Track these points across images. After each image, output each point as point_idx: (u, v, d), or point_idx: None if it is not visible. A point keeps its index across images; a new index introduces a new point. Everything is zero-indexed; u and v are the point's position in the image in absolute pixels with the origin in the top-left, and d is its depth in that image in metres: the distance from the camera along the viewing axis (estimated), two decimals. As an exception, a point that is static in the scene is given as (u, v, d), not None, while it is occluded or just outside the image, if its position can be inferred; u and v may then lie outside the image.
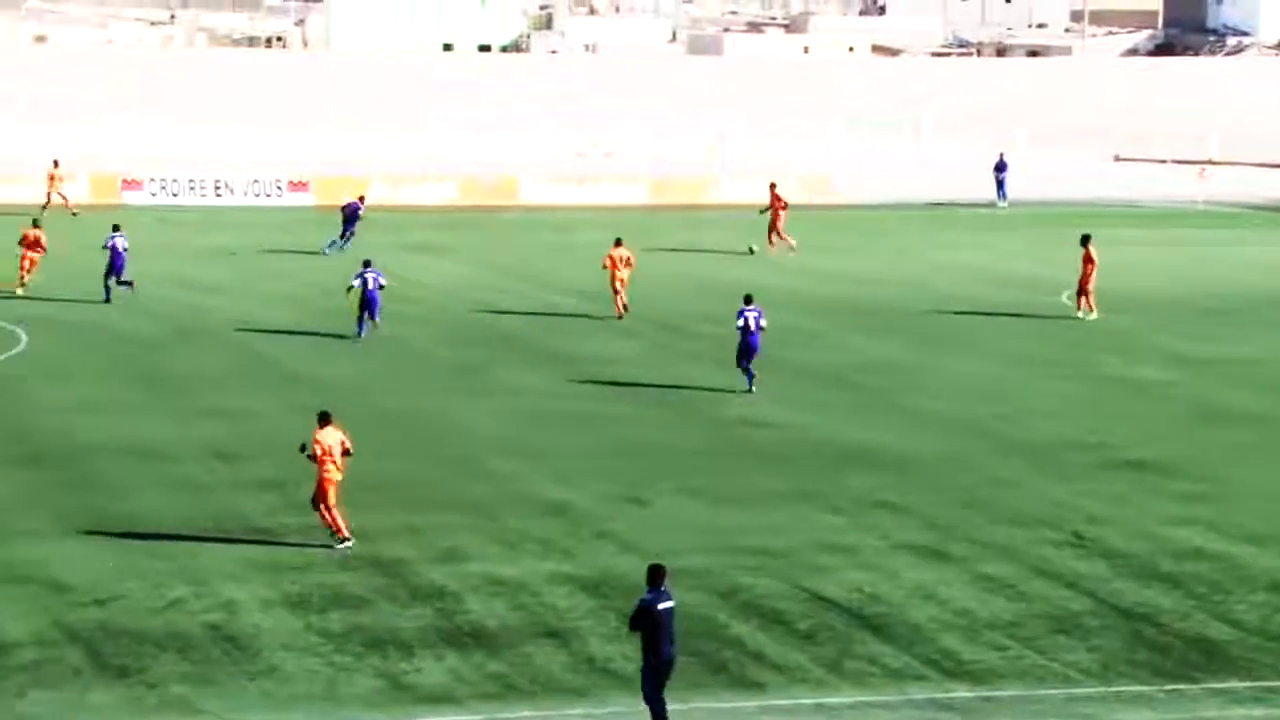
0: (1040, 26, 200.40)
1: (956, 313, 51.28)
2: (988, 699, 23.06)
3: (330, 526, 28.39)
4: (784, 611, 25.93)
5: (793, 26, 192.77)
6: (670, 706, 21.31)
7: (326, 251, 59.93)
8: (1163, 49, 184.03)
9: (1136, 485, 32.98)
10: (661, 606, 21.17)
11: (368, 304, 45.07)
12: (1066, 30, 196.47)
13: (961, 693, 23.20)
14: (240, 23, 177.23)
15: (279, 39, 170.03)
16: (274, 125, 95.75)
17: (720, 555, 28.29)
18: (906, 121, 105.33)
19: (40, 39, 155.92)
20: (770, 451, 35.15)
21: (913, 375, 42.74)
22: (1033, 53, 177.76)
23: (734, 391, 39.81)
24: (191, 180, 75.31)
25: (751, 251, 62.11)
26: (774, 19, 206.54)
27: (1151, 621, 25.75)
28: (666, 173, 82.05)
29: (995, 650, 24.63)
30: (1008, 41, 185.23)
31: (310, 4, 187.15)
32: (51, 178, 67.96)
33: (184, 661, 23.70)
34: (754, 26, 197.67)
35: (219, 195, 74.94)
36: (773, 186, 64.10)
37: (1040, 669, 24.05)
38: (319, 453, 28.25)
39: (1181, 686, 23.45)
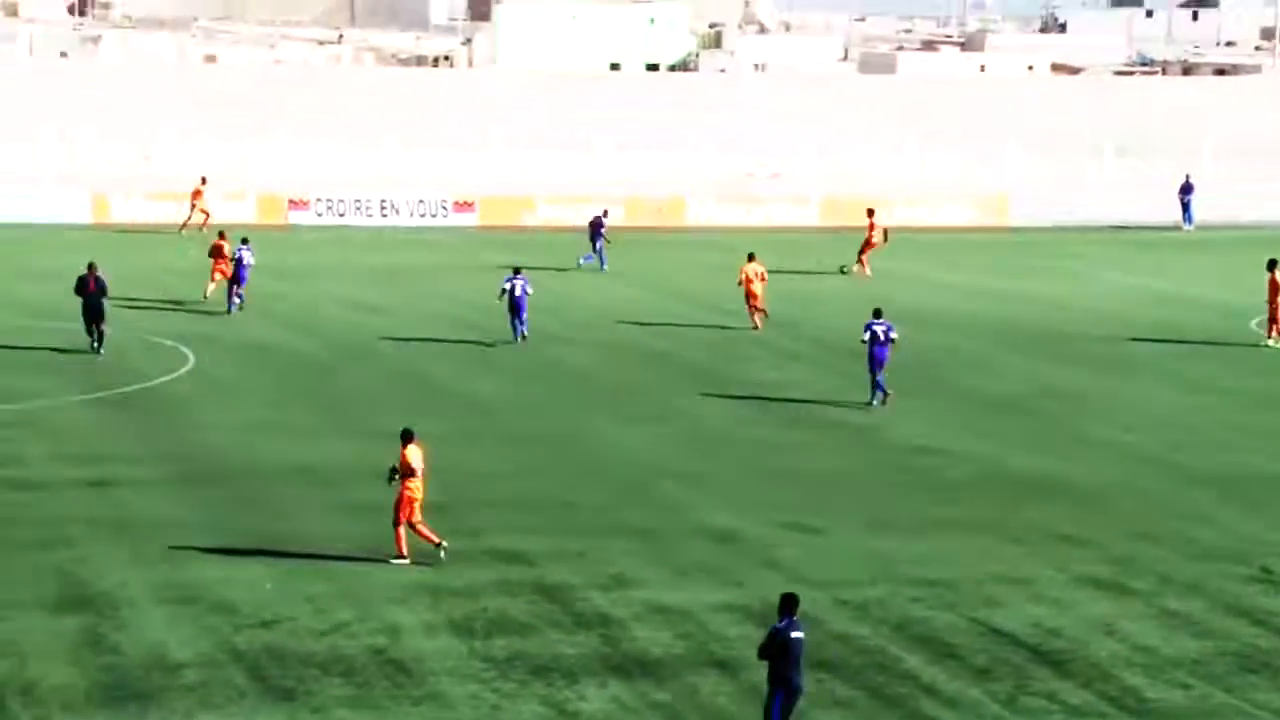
0: (1228, 44, 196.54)
1: (1139, 339, 50.10)
2: (1171, 739, 22.36)
3: (399, 549, 28.37)
4: (958, 645, 25.28)
5: (969, 44, 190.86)
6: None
7: (581, 264, 61.47)
8: None
9: None
10: (794, 635, 20.85)
11: (516, 309, 47.07)
12: (1256, 48, 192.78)
13: (1144, 733, 22.50)
14: (408, 42, 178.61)
15: (446, 58, 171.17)
16: (440, 145, 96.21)
17: (892, 586, 27.70)
18: (1087, 142, 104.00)
19: (210, 59, 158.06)
20: (943, 479, 34.46)
21: (1093, 402, 41.76)
22: (1220, 71, 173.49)
23: (874, 413, 39.19)
24: (358, 200, 75.69)
25: (843, 271, 61.53)
26: (949, 37, 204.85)
27: None
28: (837, 193, 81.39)
29: (1180, 689, 23.92)
30: (1194, 60, 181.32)
31: (477, 23, 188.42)
32: (197, 193, 68.15)
33: (348, 685, 23.50)
34: (928, 45, 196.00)
35: (384, 215, 75.24)
36: (870, 213, 63.16)
37: (1228, 709, 23.33)
38: (406, 470, 28.31)
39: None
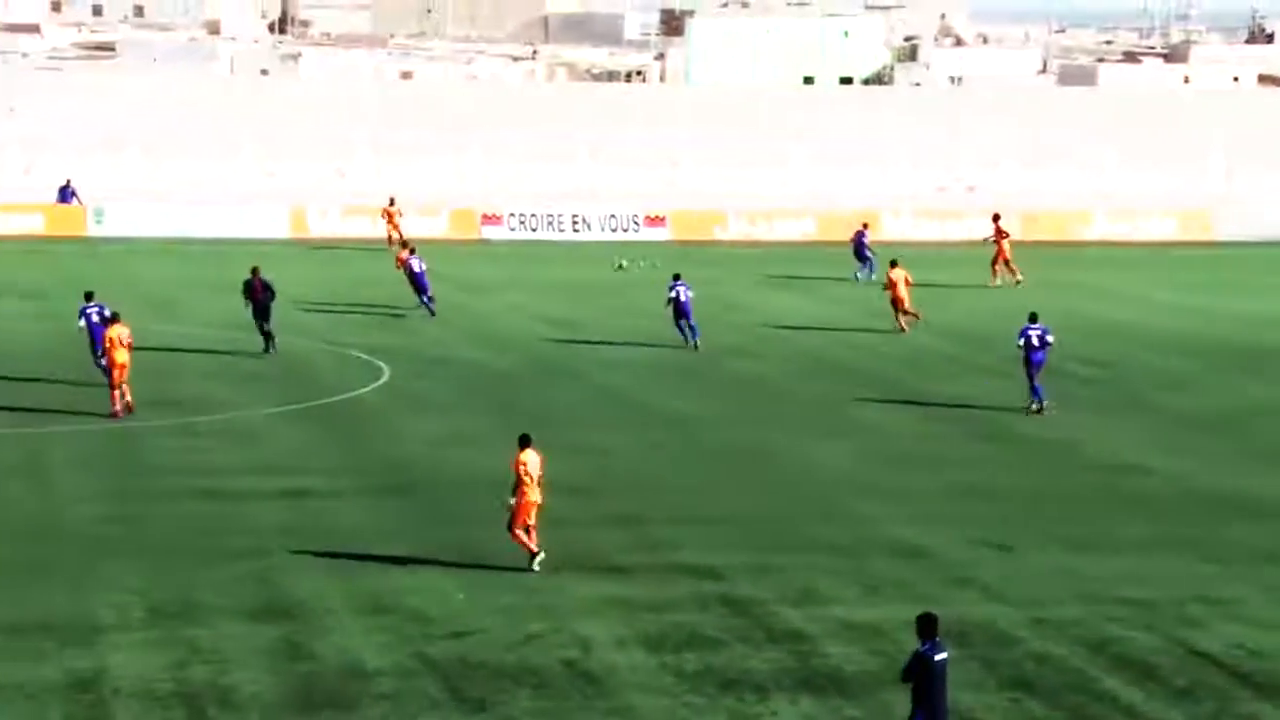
0: None
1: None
2: (1380, 767, 21.78)
3: (525, 548, 28.36)
4: (1158, 666, 24.79)
5: (1172, 56, 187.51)
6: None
7: (858, 279, 61.84)
8: None
9: None
10: (938, 658, 20.47)
11: (683, 314, 47.72)
12: None
13: (1352, 759, 21.94)
14: (601, 57, 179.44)
15: (639, 73, 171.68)
16: (631, 159, 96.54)
17: (1091, 605, 27.22)
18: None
19: (406, 75, 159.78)
20: (1144, 497, 33.88)
21: None
22: None
23: (1068, 428, 38.58)
24: (550, 215, 76.11)
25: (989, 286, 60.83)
26: (1152, 48, 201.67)
27: None
28: (1035, 207, 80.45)
29: None
30: None
31: (670, 38, 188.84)
32: (389, 214, 68.70)
33: (539, 697, 23.53)
34: (1130, 56, 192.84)
35: (576, 230, 75.58)
36: (996, 218, 62.78)
37: None
38: (521, 475, 28.26)
39: None
